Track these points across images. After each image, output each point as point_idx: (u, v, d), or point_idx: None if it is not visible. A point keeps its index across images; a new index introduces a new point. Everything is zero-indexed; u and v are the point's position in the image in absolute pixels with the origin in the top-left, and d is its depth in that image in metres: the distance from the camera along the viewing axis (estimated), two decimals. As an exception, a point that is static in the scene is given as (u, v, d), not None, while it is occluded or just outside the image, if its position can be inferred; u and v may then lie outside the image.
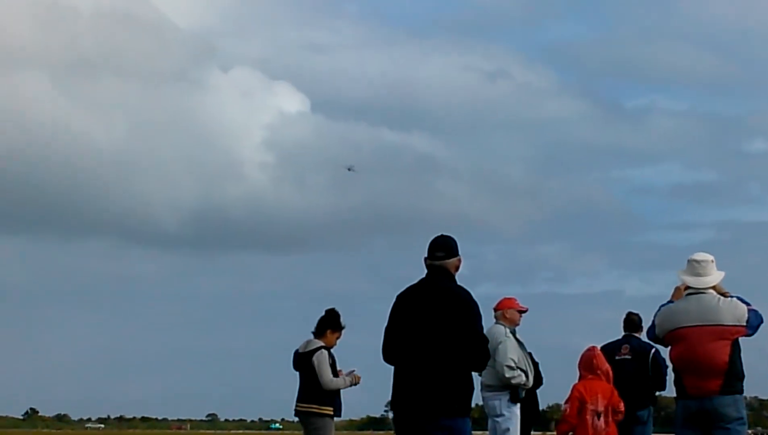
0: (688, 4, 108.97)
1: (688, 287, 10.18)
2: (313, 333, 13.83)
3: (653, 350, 15.35)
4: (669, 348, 10.21)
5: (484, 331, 13.76)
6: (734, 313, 9.97)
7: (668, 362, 15.44)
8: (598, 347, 13.99)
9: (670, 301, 10.32)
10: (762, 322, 10.08)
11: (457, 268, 9.35)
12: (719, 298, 10.04)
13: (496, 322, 13.89)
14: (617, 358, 15.26)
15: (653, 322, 10.35)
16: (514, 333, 13.80)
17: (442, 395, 8.94)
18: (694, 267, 10.18)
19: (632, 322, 15.65)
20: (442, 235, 9.48)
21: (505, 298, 14.08)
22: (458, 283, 9.33)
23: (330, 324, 13.82)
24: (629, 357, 15.42)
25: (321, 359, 13.60)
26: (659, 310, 10.30)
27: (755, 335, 10.08)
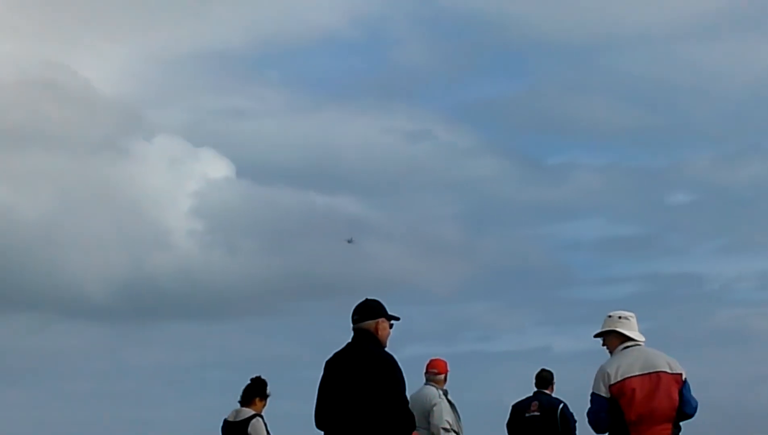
0: (607, 58, 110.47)
1: (623, 342, 10.10)
2: (240, 402, 13.68)
3: (561, 405, 15.55)
4: (619, 400, 9.91)
5: (416, 392, 13.73)
6: (671, 362, 10.05)
7: (575, 417, 15.67)
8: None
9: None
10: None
11: (378, 331, 9.32)
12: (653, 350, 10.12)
13: (427, 384, 13.82)
14: (527, 415, 15.46)
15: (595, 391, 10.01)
16: (446, 394, 13.74)
17: None
18: (630, 322, 10.22)
19: (543, 378, 15.78)
20: (364, 299, 9.50)
21: (435, 359, 14.02)
22: (386, 345, 9.32)
23: (257, 392, 13.67)
24: (538, 413, 15.52)
25: (258, 427, 13.44)
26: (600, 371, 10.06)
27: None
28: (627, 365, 9.92)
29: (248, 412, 13.52)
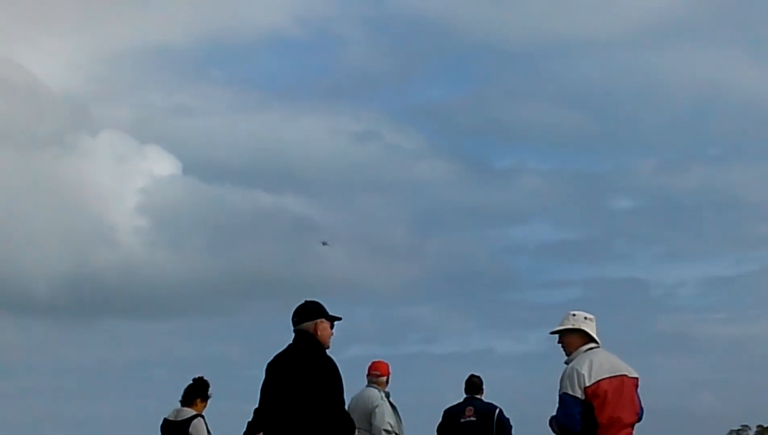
0: (554, 63, 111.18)
1: (585, 343, 10.01)
2: (181, 402, 13.61)
3: (497, 410, 15.58)
4: (593, 402, 9.73)
5: (358, 393, 13.70)
6: (628, 367, 9.99)
7: (512, 422, 15.72)
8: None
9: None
10: None
11: (317, 332, 9.30)
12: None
13: (369, 386, 13.79)
14: (462, 420, 15.44)
15: (567, 392, 9.77)
16: (388, 396, 13.72)
17: None
18: (593, 323, 10.13)
19: (474, 384, 15.80)
20: (304, 301, 9.50)
21: (377, 362, 13.98)
22: (329, 345, 9.31)
23: (199, 393, 13.60)
24: (474, 419, 15.52)
25: (200, 428, 13.38)
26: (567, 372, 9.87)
27: None
28: (598, 367, 9.77)
29: (189, 411, 13.46)
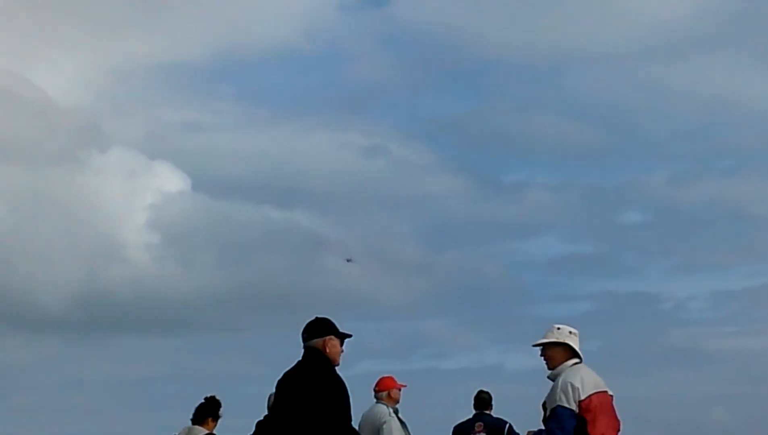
0: (563, 76, 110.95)
1: (569, 358, 9.95)
2: (192, 420, 13.59)
3: (507, 425, 15.58)
4: (586, 416, 9.65)
5: (367, 410, 13.67)
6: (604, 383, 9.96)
7: None
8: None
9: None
10: None
11: (326, 349, 9.26)
12: None
13: (378, 402, 13.81)
14: None
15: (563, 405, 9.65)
16: (396, 412, 13.71)
17: None
18: (577, 338, 10.08)
19: (483, 399, 15.79)
20: (314, 317, 9.46)
21: (385, 377, 13.99)
22: (338, 362, 9.31)
23: (210, 412, 13.57)
24: (484, 434, 15.51)
25: None
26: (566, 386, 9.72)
27: None
28: (588, 381, 9.72)
29: (201, 430, 13.44)
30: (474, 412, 15.77)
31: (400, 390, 13.92)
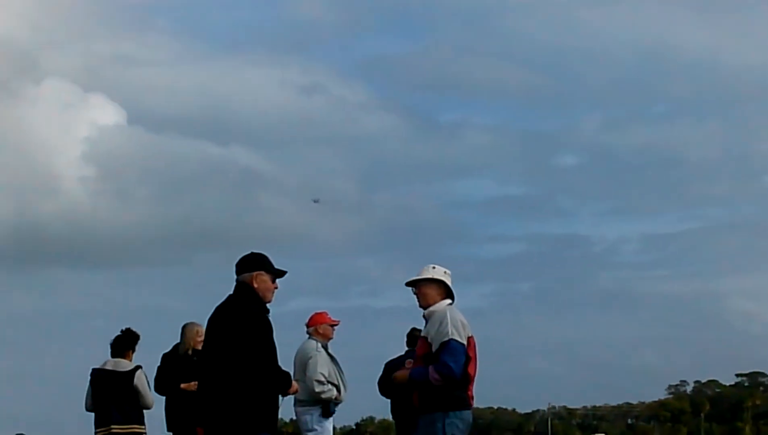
0: (501, 20, 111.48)
1: (444, 299, 10.00)
2: (111, 353, 13.56)
3: None
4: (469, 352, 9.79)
5: (300, 346, 13.71)
6: None
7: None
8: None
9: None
10: None
11: (255, 283, 9.17)
12: None
13: (309, 338, 13.80)
14: None
15: (458, 343, 9.69)
16: (326, 347, 13.74)
17: (234, 416, 8.85)
18: (450, 278, 10.13)
19: (415, 337, 15.84)
20: (249, 252, 9.39)
21: (316, 313, 13.95)
22: (270, 299, 9.26)
23: (128, 344, 13.58)
24: None
25: (144, 380, 13.43)
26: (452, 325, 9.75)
27: None
28: (465, 321, 9.85)
29: (129, 363, 13.46)
30: (406, 349, 15.84)
31: (333, 327, 13.93)
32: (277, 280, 9.36)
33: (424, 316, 10.05)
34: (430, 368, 9.68)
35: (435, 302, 9.96)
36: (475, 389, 10.04)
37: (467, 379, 9.74)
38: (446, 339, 9.66)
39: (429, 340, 9.81)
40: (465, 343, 9.70)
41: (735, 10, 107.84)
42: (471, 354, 9.77)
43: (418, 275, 10.10)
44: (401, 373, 10.28)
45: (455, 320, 9.75)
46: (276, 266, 9.39)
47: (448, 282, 10.06)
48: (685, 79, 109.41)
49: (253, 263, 9.29)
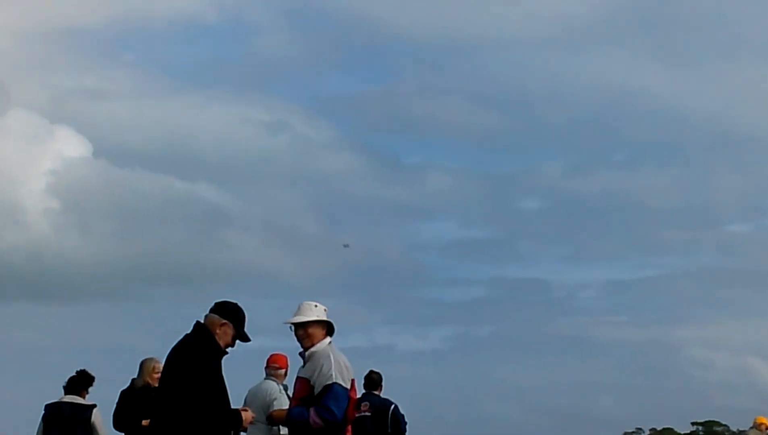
0: (468, 60, 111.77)
1: (328, 335, 9.88)
2: (65, 390, 13.58)
3: (393, 406, 15.80)
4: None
5: (256, 386, 13.63)
6: None
7: (407, 418, 15.89)
8: None
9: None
10: None
11: (216, 331, 9.14)
12: None
13: (267, 378, 13.78)
14: (357, 415, 15.44)
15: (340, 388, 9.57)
16: (286, 389, 13.68)
17: None
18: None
19: (372, 380, 16.05)
20: (231, 301, 9.37)
21: (276, 354, 13.91)
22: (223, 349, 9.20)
23: (85, 385, 13.56)
24: (369, 414, 15.82)
25: (101, 419, 13.42)
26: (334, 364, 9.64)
27: None
28: (348, 362, 9.75)
29: (84, 400, 13.44)
30: (363, 391, 15.90)
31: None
32: (237, 342, 9.28)
33: (301, 355, 9.89)
34: (312, 411, 9.55)
35: (319, 342, 9.80)
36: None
37: (345, 422, 9.63)
38: (329, 383, 9.54)
39: (311, 381, 9.65)
40: (348, 386, 9.62)
41: (698, 60, 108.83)
42: (352, 396, 9.69)
43: (304, 316, 9.87)
44: (278, 412, 10.08)
45: (338, 364, 9.63)
46: (245, 331, 9.33)
47: (324, 318, 9.87)
48: (648, 126, 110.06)
49: (228, 313, 9.25)
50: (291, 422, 9.71)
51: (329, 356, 9.65)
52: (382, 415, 15.71)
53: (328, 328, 9.90)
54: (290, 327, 9.89)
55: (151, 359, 13.91)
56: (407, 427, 16.09)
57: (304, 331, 9.83)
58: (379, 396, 15.93)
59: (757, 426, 21.26)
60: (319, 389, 9.58)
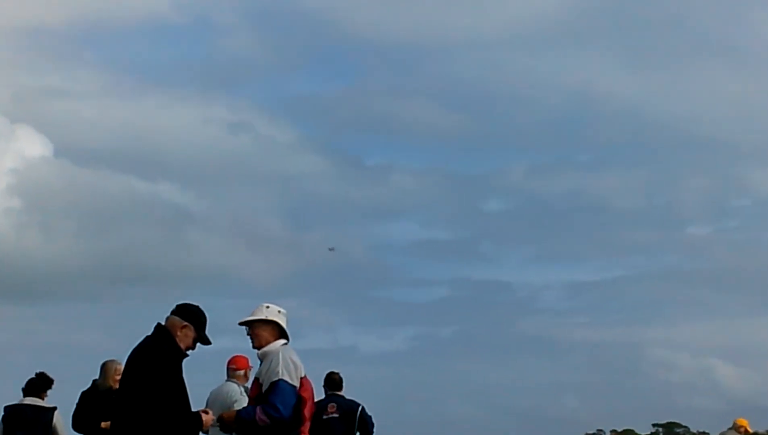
0: (430, 62, 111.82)
1: (281, 338, 9.90)
2: (24, 392, 13.52)
3: (360, 407, 15.73)
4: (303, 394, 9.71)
5: (217, 387, 13.61)
6: None
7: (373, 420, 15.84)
8: None
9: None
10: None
11: (177, 333, 9.17)
12: None
13: (229, 380, 13.80)
14: (324, 417, 15.48)
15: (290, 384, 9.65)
16: (247, 391, 13.65)
17: None
18: (285, 318, 10.03)
19: (334, 381, 15.91)
20: (193, 304, 9.40)
21: (238, 356, 13.94)
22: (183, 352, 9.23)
23: (44, 388, 13.51)
24: (337, 415, 15.67)
25: (61, 420, 13.37)
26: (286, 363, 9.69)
27: None
28: (299, 361, 9.76)
29: (45, 402, 13.39)
30: (327, 393, 15.84)
31: (250, 369, 13.89)
32: (198, 345, 9.31)
33: (258, 357, 9.94)
34: (258, 409, 9.59)
35: (268, 343, 9.83)
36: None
37: (300, 421, 9.63)
38: (275, 379, 9.58)
39: (260, 380, 9.73)
40: (296, 384, 9.61)
41: (663, 61, 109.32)
42: (305, 395, 9.69)
43: (252, 315, 9.95)
44: (227, 414, 10.08)
45: (286, 361, 9.65)
46: (206, 333, 9.35)
47: (282, 322, 9.94)
48: (612, 128, 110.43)
49: (190, 315, 9.27)
50: (240, 422, 9.71)
51: (278, 354, 9.68)
52: (349, 416, 15.65)
53: (281, 329, 9.91)
54: (246, 328, 9.97)
55: (113, 361, 13.85)
56: (374, 428, 16.04)
57: (252, 331, 9.92)
58: (344, 397, 15.85)
59: (736, 428, 21.05)
60: (266, 387, 9.63)
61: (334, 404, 15.72)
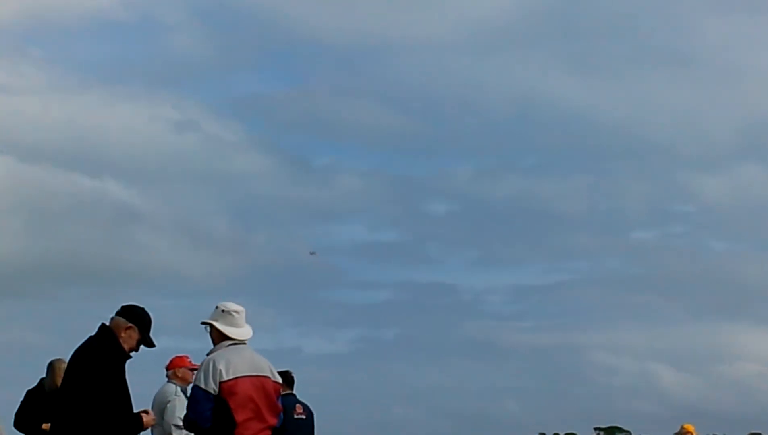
0: (377, 63, 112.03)
1: (224, 338, 9.70)
2: None
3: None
4: (228, 399, 9.42)
5: (159, 390, 13.63)
6: (273, 370, 9.83)
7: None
8: None
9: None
10: None
11: (121, 334, 9.21)
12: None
13: (168, 381, 13.74)
14: (295, 417, 15.31)
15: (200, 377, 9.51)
16: (185, 392, 13.46)
17: None
18: (236, 317, 9.82)
19: (292, 379, 15.60)
20: (138, 305, 9.45)
21: (177, 357, 13.87)
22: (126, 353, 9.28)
23: None
24: (304, 417, 15.55)
25: (2, 427, 13.36)
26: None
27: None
28: (238, 363, 9.51)
29: None
30: (286, 392, 15.73)
31: (192, 371, 13.79)
32: (141, 347, 9.38)
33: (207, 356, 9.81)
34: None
35: (216, 344, 9.75)
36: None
37: (229, 425, 9.41)
38: (192, 385, 9.55)
39: None
40: (211, 389, 9.41)
41: (606, 67, 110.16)
42: (231, 400, 9.41)
43: (210, 317, 9.84)
44: (148, 419, 9.88)
45: (206, 365, 9.51)
46: (151, 336, 9.43)
47: (222, 323, 9.74)
48: (556, 132, 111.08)
49: (134, 317, 9.34)
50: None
51: (208, 359, 9.60)
52: (312, 418, 15.54)
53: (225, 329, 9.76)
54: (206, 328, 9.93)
55: (60, 360, 13.79)
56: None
57: (211, 333, 9.83)
58: (299, 398, 15.69)
59: (683, 434, 21.14)
60: None
61: (301, 405, 15.55)
